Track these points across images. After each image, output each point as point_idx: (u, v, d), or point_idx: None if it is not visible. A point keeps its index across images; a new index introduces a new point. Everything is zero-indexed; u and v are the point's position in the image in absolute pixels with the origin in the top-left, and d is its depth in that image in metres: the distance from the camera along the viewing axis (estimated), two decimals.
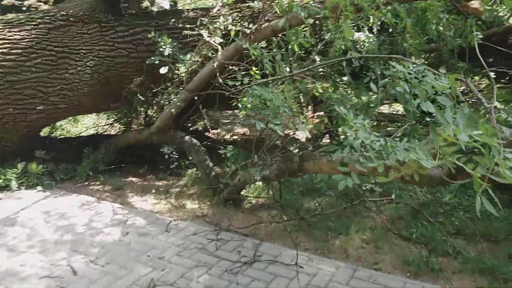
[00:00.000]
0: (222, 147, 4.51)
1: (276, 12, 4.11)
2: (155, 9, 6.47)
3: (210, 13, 5.56)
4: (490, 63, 5.01)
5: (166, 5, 8.72)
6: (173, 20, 5.33)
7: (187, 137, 4.77)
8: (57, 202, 4.50)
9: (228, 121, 7.51)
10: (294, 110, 3.19)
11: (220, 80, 4.16)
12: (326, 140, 6.07)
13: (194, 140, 4.72)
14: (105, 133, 6.45)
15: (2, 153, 5.00)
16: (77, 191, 4.85)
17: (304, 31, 3.68)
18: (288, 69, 3.78)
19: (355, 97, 4.11)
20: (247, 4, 5.42)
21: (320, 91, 4.03)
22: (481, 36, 4.18)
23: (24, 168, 4.97)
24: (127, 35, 5.08)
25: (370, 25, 4.20)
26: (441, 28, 4.33)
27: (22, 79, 4.69)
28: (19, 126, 4.90)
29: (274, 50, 3.75)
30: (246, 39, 3.96)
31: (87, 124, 7.34)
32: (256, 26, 3.96)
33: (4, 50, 4.64)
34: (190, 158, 4.99)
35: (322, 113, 7.53)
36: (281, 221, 3.84)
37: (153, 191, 4.80)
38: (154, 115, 5.43)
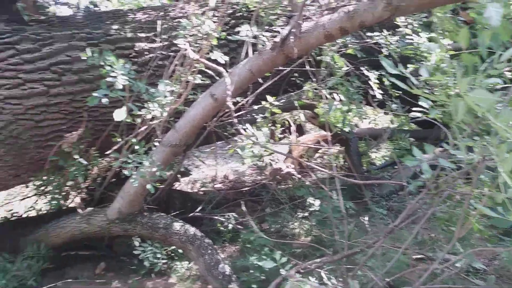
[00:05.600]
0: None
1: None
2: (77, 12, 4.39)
3: (172, 14, 3.63)
4: None
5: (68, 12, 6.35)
6: (115, 27, 3.31)
7: (177, 225, 2.76)
8: None
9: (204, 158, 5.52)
10: None
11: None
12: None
13: (191, 230, 2.73)
14: (29, 212, 4.04)
15: None
16: None
17: None
18: None
19: None
20: None
21: None
22: None
23: None
24: (40, 56, 2.97)
25: None
26: None
27: None
28: None
29: None
30: (279, 49, 2.13)
31: None
32: (291, 28, 2.12)
33: None
34: (190, 261, 3.03)
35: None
36: None
37: None
38: (110, 185, 3.28)
